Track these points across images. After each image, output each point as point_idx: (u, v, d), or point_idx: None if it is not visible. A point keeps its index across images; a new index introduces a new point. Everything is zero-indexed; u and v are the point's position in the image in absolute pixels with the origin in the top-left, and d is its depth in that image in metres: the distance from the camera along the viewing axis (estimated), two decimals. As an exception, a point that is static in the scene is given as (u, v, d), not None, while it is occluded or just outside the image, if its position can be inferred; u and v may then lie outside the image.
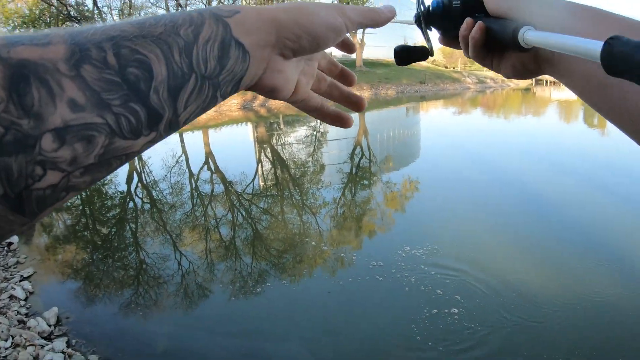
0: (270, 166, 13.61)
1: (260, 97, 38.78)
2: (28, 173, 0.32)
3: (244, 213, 9.15)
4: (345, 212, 8.60)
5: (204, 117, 34.77)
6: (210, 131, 26.15)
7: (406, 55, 0.72)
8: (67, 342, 4.56)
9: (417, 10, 0.73)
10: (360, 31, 47.52)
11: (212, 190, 11.28)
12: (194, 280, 5.92)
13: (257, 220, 8.60)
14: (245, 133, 23.98)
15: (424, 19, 0.72)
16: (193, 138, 24.50)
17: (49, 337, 4.68)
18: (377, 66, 51.94)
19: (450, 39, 0.73)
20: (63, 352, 4.34)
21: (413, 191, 9.73)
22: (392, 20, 0.65)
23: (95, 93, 0.35)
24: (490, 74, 67.87)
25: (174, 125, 0.42)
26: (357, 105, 0.72)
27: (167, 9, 47.81)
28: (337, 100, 0.71)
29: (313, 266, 6.12)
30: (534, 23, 0.57)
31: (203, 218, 8.99)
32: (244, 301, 5.38)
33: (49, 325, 4.88)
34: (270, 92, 0.55)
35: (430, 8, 0.71)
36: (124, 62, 0.37)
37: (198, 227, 8.34)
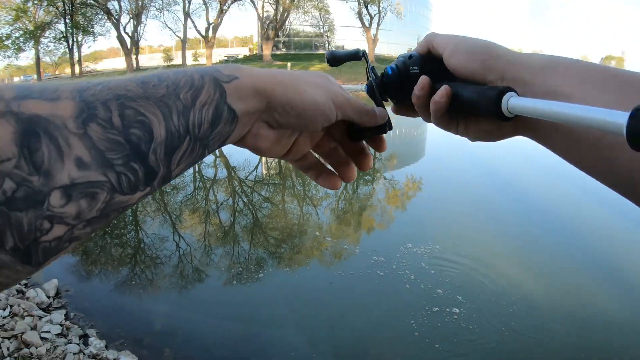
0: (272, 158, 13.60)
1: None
2: (37, 227, 0.33)
3: (245, 200, 9.17)
4: (347, 206, 8.61)
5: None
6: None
7: (358, 133, 0.67)
8: (65, 315, 4.54)
9: (368, 79, 0.70)
10: (374, 26, 47.40)
11: (215, 175, 11.33)
12: (192, 262, 5.93)
13: (258, 207, 8.63)
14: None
15: (378, 89, 0.68)
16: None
17: (47, 309, 4.66)
18: (390, 62, 51.69)
19: (408, 108, 0.69)
20: (61, 325, 4.32)
21: (416, 190, 9.73)
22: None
23: (100, 152, 0.36)
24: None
25: (167, 180, 0.45)
26: (360, 166, 0.71)
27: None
28: (330, 164, 0.71)
29: (315, 257, 6.10)
30: (525, 89, 0.54)
31: (204, 202, 9.00)
32: (244, 287, 5.37)
33: (48, 297, 4.88)
34: (254, 151, 0.58)
35: (384, 76, 0.68)
36: (128, 123, 0.39)
37: (199, 210, 8.37)
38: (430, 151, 14.64)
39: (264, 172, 11.58)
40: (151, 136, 0.40)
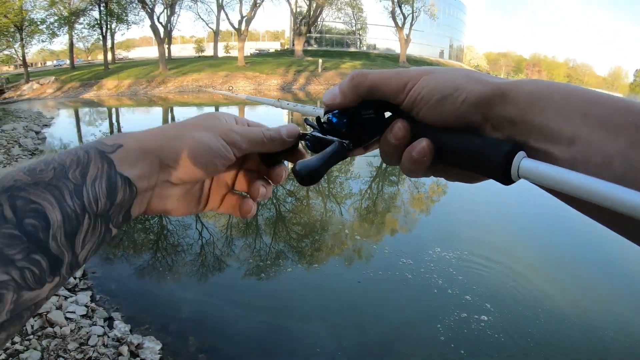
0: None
1: (300, 80, 38.82)
2: None
3: (272, 194, 9.20)
4: (374, 207, 8.58)
5: (242, 93, 34.76)
6: (246, 108, 26.21)
7: (271, 158, 0.64)
8: (91, 297, 4.59)
9: (309, 133, 0.60)
10: (407, 26, 47.16)
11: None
12: (219, 253, 5.95)
13: (282, 202, 8.65)
14: (279, 114, 23.95)
15: (322, 142, 0.58)
16: (228, 112, 24.59)
17: (73, 290, 4.72)
18: (421, 64, 51.38)
19: (356, 152, 0.59)
20: (86, 306, 4.37)
21: (445, 193, 9.66)
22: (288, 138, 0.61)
23: None
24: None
25: (75, 266, 0.43)
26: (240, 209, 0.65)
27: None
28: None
29: (344, 255, 6.10)
30: (514, 132, 0.45)
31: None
32: (271, 280, 5.38)
33: (75, 278, 4.93)
34: (167, 214, 0.57)
35: (325, 125, 0.58)
36: (21, 214, 0.37)
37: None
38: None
39: (289, 165, 11.56)
40: (47, 222, 0.39)
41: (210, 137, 0.54)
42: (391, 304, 4.89)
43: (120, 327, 4.08)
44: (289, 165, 0.66)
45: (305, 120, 0.63)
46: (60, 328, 3.93)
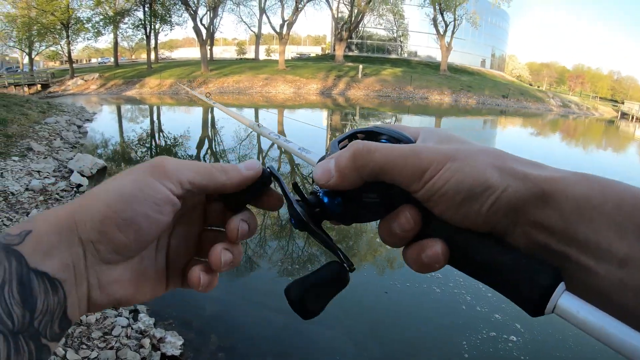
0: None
1: (340, 86, 38.85)
2: None
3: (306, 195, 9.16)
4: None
5: (281, 97, 35.29)
6: (286, 111, 26.33)
7: (235, 200, 0.51)
8: None
9: (296, 210, 0.47)
10: (448, 34, 46.84)
11: (278, 169, 11.29)
12: (250, 252, 5.95)
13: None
14: (319, 118, 23.98)
15: (311, 219, 0.48)
16: (268, 115, 24.71)
17: None
18: (462, 72, 51.03)
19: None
20: None
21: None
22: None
23: None
24: (575, 98, 65.17)
25: None
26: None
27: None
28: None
29: (371, 263, 6.00)
30: (550, 241, 0.37)
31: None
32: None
33: None
34: (120, 305, 0.44)
35: (312, 202, 0.48)
36: None
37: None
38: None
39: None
40: None
41: (132, 179, 0.43)
42: (417, 317, 4.80)
43: (145, 319, 4.09)
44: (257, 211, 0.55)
45: (294, 185, 0.49)
46: (86, 317, 3.94)
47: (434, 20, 47.63)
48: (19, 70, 52.68)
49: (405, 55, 61.49)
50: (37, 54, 52.26)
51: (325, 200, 0.46)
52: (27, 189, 7.50)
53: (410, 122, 23.93)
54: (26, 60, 52.55)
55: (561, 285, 0.35)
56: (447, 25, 47.24)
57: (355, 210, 0.47)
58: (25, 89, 40.06)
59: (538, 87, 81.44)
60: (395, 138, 0.48)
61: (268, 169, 0.52)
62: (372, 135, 0.51)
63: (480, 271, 0.39)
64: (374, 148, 0.43)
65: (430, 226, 0.43)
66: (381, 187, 0.44)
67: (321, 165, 0.46)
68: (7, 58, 67.07)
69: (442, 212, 0.41)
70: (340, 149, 0.48)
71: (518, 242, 0.39)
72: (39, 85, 42.19)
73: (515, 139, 21.81)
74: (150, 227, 0.42)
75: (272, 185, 0.53)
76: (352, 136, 0.52)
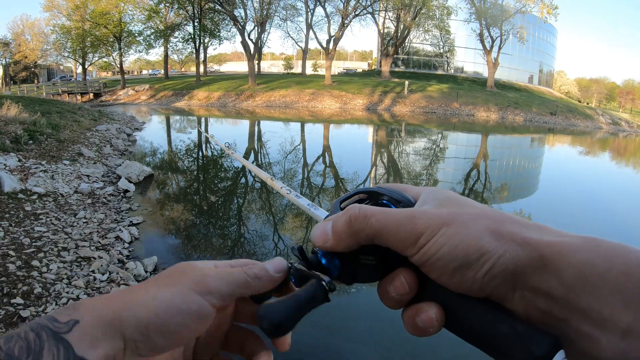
0: (384, 171, 13.43)
1: (386, 101, 38.74)
2: None
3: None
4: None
5: (327, 111, 35.33)
6: (332, 126, 26.34)
7: (261, 297, 0.51)
8: None
9: (292, 266, 0.50)
10: (495, 50, 46.27)
11: (323, 184, 11.29)
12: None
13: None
14: (364, 134, 23.91)
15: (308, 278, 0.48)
16: (314, 129, 24.81)
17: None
18: (509, 89, 50.27)
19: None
20: None
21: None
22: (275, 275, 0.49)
23: None
24: (626, 115, 63.08)
25: None
26: None
27: (306, 3, 48.80)
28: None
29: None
30: (552, 308, 0.36)
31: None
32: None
33: (146, 272, 5.08)
34: None
35: (312, 262, 0.49)
36: None
37: (301, 215, 8.36)
38: (546, 186, 13.78)
39: (371, 186, 11.38)
40: None
41: (177, 292, 0.44)
42: (448, 336, 4.67)
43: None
44: None
45: (292, 249, 0.51)
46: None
47: (480, 35, 47.17)
48: (73, 79, 54.42)
49: (452, 71, 61.08)
50: (90, 64, 54.09)
51: (323, 261, 0.47)
52: (76, 192, 7.64)
53: (456, 139, 23.63)
54: (80, 69, 54.45)
55: (560, 353, 0.34)
56: (493, 41, 46.68)
57: (353, 271, 0.47)
58: (78, 97, 41.43)
59: (587, 103, 79.36)
60: (396, 200, 0.49)
61: (290, 266, 0.51)
62: (374, 195, 0.52)
63: (475, 338, 0.39)
64: (369, 213, 0.44)
65: (426, 290, 0.43)
66: (378, 249, 0.45)
67: (319, 227, 0.47)
68: (61, 67, 69.42)
69: (438, 277, 0.41)
70: (342, 209, 0.49)
71: (517, 307, 0.38)
72: (91, 94, 43.57)
73: (562, 158, 21.32)
74: (190, 335, 0.45)
75: None
76: (355, 196, 0.54)
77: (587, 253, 0.35)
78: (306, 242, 6.68)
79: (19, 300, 3.96)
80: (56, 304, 4.06)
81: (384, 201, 0.50)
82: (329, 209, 0.54)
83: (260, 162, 14.06)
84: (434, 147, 19.58)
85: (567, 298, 0.34)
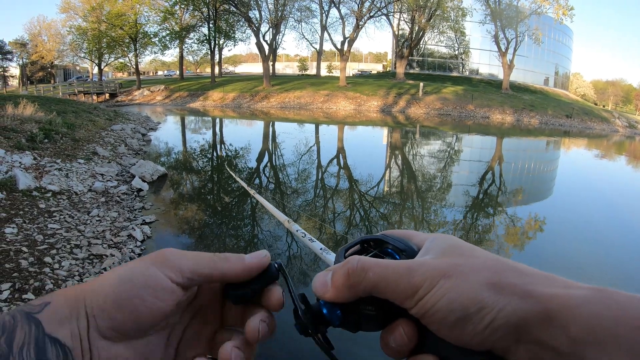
0: (398, 174, 13.38)
1: (400, 103, 38.65)
2: None
3: (362, 213, 9.04)
4: (464, 237, 8.19)
5: (341, 113, 35.34)
6: (346, 128, 26.30)
7: (237, 293, 0.50)
8: None
9: (299, 317, 0.48)
10: (510, 51, 45.97)
11: (337, 185, 11.24)
12: (300, 268, 5.88)
13: (374, 223, 8.45)
14: (379, 136, 23.87)
15: (311, 324, 0.48)
16: (328, 131, 24.79)
17: None
18: (524, 91, 49.92)
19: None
20: None
21: (537, 230, 9.09)
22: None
23: None
24: (643, 118, 62.53)
25: None
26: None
27: (321, 4, 48.82)
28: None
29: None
30: None
31: (322, 209, 8.96)
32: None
33: None
34: None
35: (313, 312, 0.48)
36: None
37: (315, 216, 8.32)
38: (561, 190, 13.64)
39: (385, 189, 11.32)
40: None
41: (136, 266, 0.45)
42: None
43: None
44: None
45: (302, 295, 0.49)
46: None
47: (496, 37, 46.83)
48: (89, 80, 54.97)
49: (467, 73, 60.77)
50: (106, 65, 54.64)
51: (325, 311, 0.47)
52: (90, 190, 7.66)
53: (471, 142, 23.48)
54: (95, 70, 55.09)
55: None
56: (508, 42, 46.33)
57: (355, 321, 0.47)
58: (94, 97, 41.87)
59: (603, 106, 78.23)
60: (400, 249, 0.49)
61: (276, 265, 0.52)
62: (379, 243, 0.52)
63: None
64: (367, 266, 0.44)
65: (427, 342, 0.43)
66: (379, 299, 0.45)
67: (319, 278, 0.47)
68: (77, 68, 70.08)
69: (438, 330, 0.41)
70: (346, 257, 0.50)
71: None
72: (107, 94, 44.02)
73: (583, 160, 21.14)
74: (147, 310, 0.44)
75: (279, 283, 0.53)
76: (359, 244, 0.54)
77: (596, 306, 0.34)
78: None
79: (30, 295, 3.97)
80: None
81: (389, 249, 0.50)
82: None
83: (274, 162, 14.08)
84: (448, 149, 19.47)
85: (574, 352, 0.33)
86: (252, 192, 1.53)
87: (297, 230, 0.73)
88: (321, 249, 0.59)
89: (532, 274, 0.39)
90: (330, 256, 0.57)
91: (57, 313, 0.41)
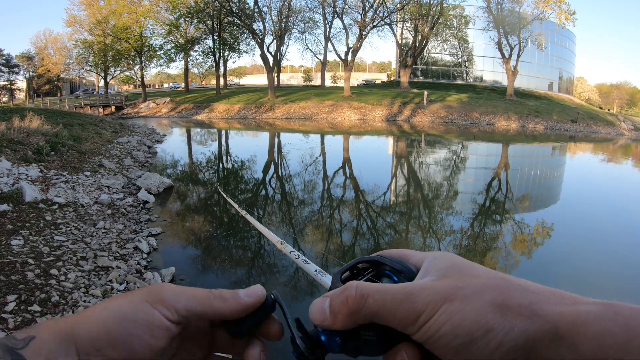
0: (404, 182, 13.34)
1: (405, 112, 38.64)
2: None
3: (369, 223, 9.00)
4: (471, 245, 8.14)
5: (347, 123, 35.35)
6: (351, 137, 26.29)
7: (236, 326, 0.49)
8: None
9: (297, 345, 0.47)
10: (514, 58, 45.91)
11: (343, 195, 11.22)
12: (306, 279, 5.86)
13: (381, 233, 8.41)
14: (384, 145, 23.84)
15: (309, 352, 0.46)
16: (334, 141, 24.76)
17: None
18: (529, 97, 49.71)
19: None
20: None
21: (545, 237, 9.02)
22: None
23: None
24: (646, 120, 62.16)
25: None
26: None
27: (324, 15, 49.01)
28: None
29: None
30: None
31: (329, 220, 8.92)
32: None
33: (163, 282, 5.01)
34: None
35: (316, 344, 0.46)
36: None
37: (321, 227, 8.29)
38: (568, 197, 13.54)
39: (392, 198, 11.29)
40: None
41: (128, 302, 0.44)
42: None
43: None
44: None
45: (297, 320, 0.49)
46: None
47: (499, 43, 46.76)
48: (95, 93, 55.34)
49: (471, 80, 60.64)
50: (112, 78, 54.95)
51: (323, 338, 0.46)
52: (96, 202, 7.68)
53: (476, 149, 23.42)
54: (101, 83, 55.42)
55: None
56: (512, 49, 46.24)
57: (355, 346, 0.46)
58: (100, 110, 42.19)
59: (608, 109, 77.85)
60: (398, 270, 0.48)
61: (272, 296, 0.51)
62: (375, 265, 0.51)
63: None
64: (366, 294, 0.43)
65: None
66: (378, 327, 0.44)
67: (316, 305, 0.46)
68: (84, 80, 70.61)
69: (443, 355, 0.39)
70: (343, 280, 0.50)
71: None
72: (113, 107, 44.34)
73: (589, 165, 21.01)
74: (142, 348, 0.43)
75: (276, 313, 0.52)
76: (354, 268, 0.53)
77: (605, 322, 0.33)
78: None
79: (36, 307, 3.96)
80: (72, 312, 4.06)
81: (386, 271, 0.50)
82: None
83: (280, 172, 14.07)
84: (454, 157, 19.42)
85: None
86: (243, 212, 1.52)
87: (290, 252, 0.71)
88: (316, 270, 0.56)
89: (538, 291, 0.38)
90: (326, 278, 0.53)
91: (43, 348, 0.39)
